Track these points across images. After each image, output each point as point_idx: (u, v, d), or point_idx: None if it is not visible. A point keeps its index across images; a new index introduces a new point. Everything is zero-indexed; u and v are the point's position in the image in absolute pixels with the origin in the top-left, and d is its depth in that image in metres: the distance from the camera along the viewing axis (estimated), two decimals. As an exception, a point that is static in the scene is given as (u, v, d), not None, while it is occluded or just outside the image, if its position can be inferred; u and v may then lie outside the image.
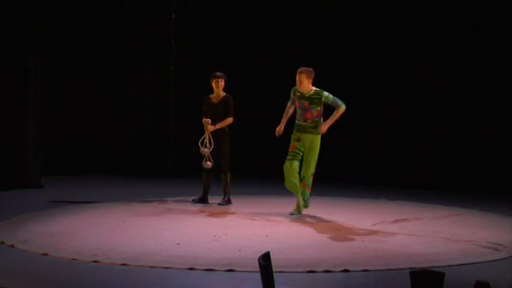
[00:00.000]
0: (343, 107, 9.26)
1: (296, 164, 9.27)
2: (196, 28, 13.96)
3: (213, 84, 10.14)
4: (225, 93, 10.16)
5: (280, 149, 13.86)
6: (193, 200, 10.31)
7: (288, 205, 9.58)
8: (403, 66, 12.77)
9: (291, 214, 9.35)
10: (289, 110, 9.51)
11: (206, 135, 9.98)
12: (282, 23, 13.86)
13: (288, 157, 9.30)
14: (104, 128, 14.08)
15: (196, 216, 9.31)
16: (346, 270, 6.51)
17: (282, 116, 9.57)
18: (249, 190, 11.63)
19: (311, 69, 9.33)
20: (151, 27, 13.70)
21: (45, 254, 7.06)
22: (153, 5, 13.76)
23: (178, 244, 7.45)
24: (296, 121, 9.38)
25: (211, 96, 10.22)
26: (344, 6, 13.28)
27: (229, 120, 10.09)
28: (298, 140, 9.29)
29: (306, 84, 9.22)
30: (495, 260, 7.06)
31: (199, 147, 10.00)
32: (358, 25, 13.15)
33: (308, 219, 9.09)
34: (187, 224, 8.77)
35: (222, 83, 10.12)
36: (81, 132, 13.93)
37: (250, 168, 13.64)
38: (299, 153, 9.29)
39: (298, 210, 9.39)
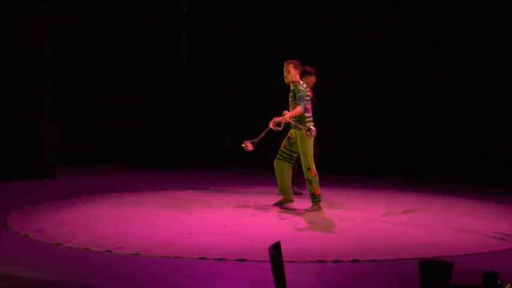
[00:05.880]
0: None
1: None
2: (207, 24, 14.01)
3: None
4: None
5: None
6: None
7: (297, 197, 9.58)
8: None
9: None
10: None
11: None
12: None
13: None
14: (119, 119, 14.14)
15: (208, 207, 9.38)
16: (355, 260, 6.58)
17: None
18: (258, 182, 11.69)
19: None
20: (162, 20, 13.76)
21: (59, 244, 7.17)
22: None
23: (189, 234, 7.55)
24: None
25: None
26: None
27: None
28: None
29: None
30: (503, 251, 7.10)
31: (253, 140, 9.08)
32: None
33: (318, 210, 9.13)
34: (199, 214, 8.84)
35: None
36: (95, 123, 14.04)
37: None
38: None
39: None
